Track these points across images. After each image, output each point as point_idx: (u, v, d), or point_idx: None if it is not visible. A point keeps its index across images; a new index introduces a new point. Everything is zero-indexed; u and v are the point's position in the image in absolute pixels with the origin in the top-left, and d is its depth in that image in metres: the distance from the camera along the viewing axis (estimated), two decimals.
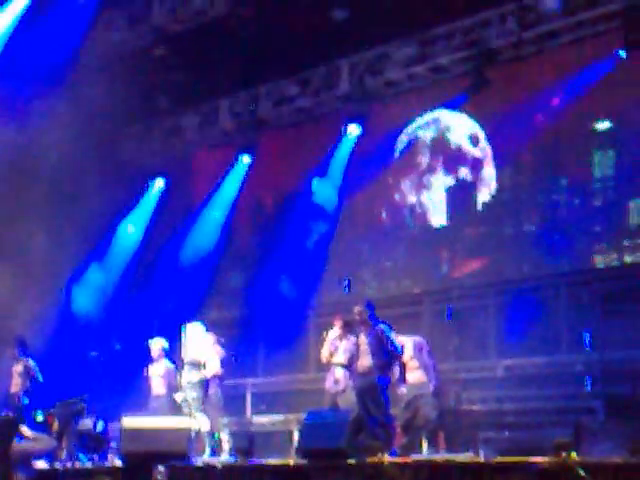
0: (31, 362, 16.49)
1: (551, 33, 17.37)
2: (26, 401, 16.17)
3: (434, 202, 19.35)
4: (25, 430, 13.24)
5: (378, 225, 20.12)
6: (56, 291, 20.00)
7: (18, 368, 16.47)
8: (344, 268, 20.06)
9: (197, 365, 15.42)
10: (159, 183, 21.96)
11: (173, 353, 16.05)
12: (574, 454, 10.46)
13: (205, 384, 15.43)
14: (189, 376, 15.45)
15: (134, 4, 20.12)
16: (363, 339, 13.88)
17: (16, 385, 16.42)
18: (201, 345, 15.58)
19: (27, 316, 18.19)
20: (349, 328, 15.11)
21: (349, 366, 14.68)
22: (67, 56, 18.73)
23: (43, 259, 18.22)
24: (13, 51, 18.92)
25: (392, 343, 13.74)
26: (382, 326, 13.88)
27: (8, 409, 15.39)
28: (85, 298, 20.68)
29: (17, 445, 12.73)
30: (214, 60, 19.66)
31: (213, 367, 15.64)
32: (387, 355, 13.72)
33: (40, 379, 16.43)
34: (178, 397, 15.48)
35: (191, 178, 23.11)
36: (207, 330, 15.89)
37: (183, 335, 15.63)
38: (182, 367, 15.57)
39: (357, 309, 14.05)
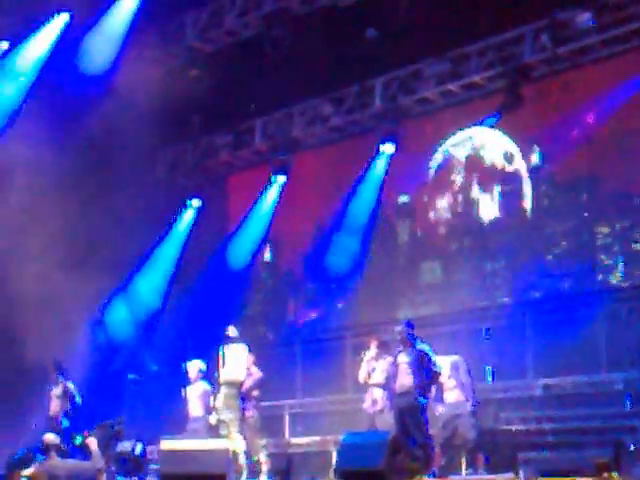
0: (70, 384, 16.51)
1: (585, 49, 17.34)
2: (66, 423, 16.19)
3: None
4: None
5: (413, 244, 20.08)
6: (94, 313, 20.06)
7: (57, 391, 16.51)
8: (379, 287, 20.04)
9: (234, 385, 15.32)
10: (195, 204, 21.99)
11: (210, 374, 16.00)
12: (616, 475, 10.38)
13: (242, 405, 15.35)
14: (225, 397, 15.34)
15: (167, 24, 20.27)
16: (403, 358, 13.81)
17: (55, 407, 16.46)
18: (241, 365, 15.50)
19: (65, 339, 18.27)
20: (385, 348, 15.08)
21: (386, 386, 14.62)
22: (100, 75, 18.89)
23: (80, 280, 18.24)
24: (49, 71, 19.10)
25: (433, 363, 13.68)
26: (423, 345, 13.83)
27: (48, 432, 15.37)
28: (122, 320, 20.70)
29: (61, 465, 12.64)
30: (247, 80, 19.73)
31: (250, 387, 15.61)
32: (428, 375, 13.66)
33: (78, 401, 16.46)
34: (212, 419, 15.38)
35: (226, 198, 23.18)
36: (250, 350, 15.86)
37: (223, 355, 15.52)
38: (218, 388, 15.46)
39: (397, 329, 14.01)
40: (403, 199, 20.20)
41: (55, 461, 12.08)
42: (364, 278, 20.15)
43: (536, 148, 18.35)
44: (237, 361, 15.47)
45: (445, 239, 19.68)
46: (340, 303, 20.50)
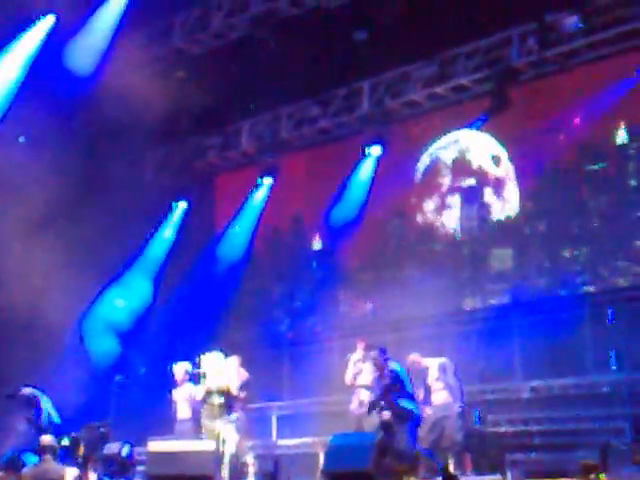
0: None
1: (572, 52, 17.42)
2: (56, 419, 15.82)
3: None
4: None
5: (402, 245, 20.05)
6: (80, 313, 20.03)
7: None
8: (364, 289, 20.04)
9: (224, 392, 15.28)
10: (181, 205, 21.99)
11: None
12: (602, 476, 10.41)
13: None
14: (220, 406, 15.26)
15: (154, 26, 20.27)
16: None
17: None
18: (223, 372, 15.45)
19: (52, 339, 18.26)
20: (371, 350, 15.10)
21: (373, 388, 14.62)
22: (88, 76, 18.88)
23: (63, 282, 18.19)
24: (36, 72, 19.07)
25: (406, 385, 13.79)
26: (395, 368, 13.88)
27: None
28: (109, 321, 20.64)
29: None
30: (234, 82, 19.72)
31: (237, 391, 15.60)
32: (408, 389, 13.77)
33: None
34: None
35: (213, 199, 23.17)
36: (226, 355, 15.79)
37: (203, 366, 15.49)
38: (207, 397, 15.37)
39: (373, 354, 14.20)
40: (470, 182, 19.40)
41: (49, 464, 12.02)
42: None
43: (622, 124, 17.60)
44: (218, 369, 15.42)
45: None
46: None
